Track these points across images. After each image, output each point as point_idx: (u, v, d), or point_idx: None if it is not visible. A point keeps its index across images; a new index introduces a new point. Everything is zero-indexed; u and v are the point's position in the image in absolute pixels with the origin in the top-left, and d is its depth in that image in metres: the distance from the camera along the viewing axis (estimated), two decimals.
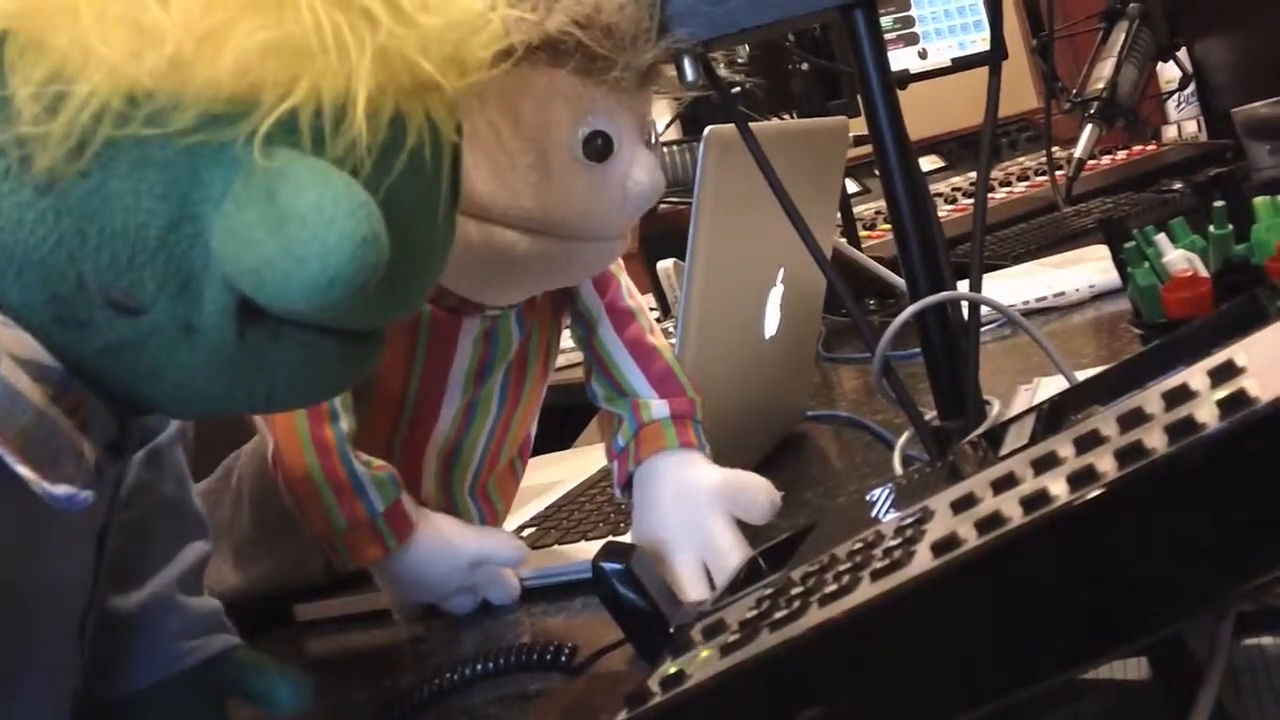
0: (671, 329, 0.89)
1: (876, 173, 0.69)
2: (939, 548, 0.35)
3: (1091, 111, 1.66)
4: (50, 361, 0.42)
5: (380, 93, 0.42)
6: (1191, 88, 2.05)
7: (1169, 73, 2.03)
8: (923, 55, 1.97)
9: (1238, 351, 0.36)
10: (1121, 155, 2.12)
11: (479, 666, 0.64)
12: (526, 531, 0.90)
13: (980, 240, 0.70)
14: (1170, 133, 2.22)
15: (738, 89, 1.46)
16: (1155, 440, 0.33)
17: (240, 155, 0.40)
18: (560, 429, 1.12)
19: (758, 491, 0.74)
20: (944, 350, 0.67)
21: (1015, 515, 0.34)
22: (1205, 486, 0.31)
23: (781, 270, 0.94)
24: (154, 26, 0.39)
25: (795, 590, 0.41)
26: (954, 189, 2.05)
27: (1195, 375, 0.36)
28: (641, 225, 0.73)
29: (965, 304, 0.67)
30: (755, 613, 0.41)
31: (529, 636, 0.72)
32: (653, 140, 0.72)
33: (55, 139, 0.39)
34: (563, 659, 0.63)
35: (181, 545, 0.60)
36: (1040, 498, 0.34)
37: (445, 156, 0.46)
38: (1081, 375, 0.61)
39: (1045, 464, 0.37)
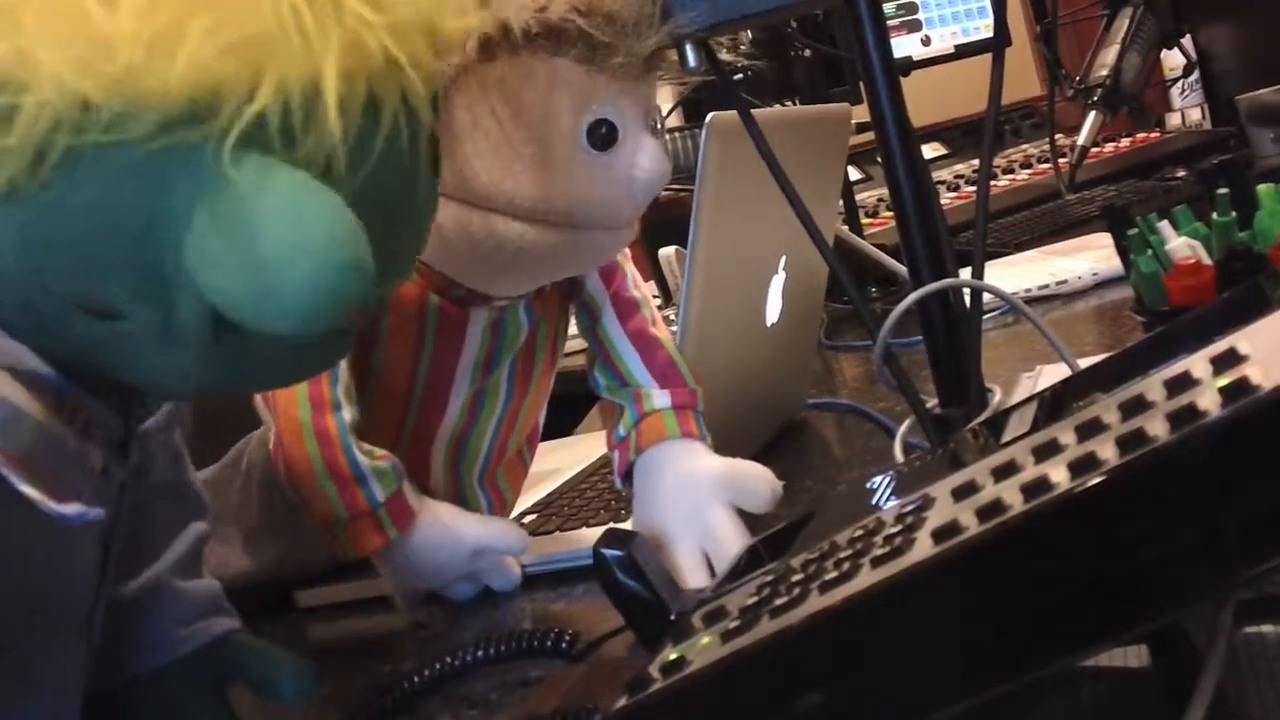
0: (673, 316, 0.89)
1: (879, 160, 0.69)
2: (940, 535, 0.35)
3: (1095, 98, 1.65)
4: (44, 369, 0.41)
5: (351, 80, 0.40)
6: (1195, 75, 2.05)
7: (1173, 60, 2.03)
8: (926, 42, 1.96)
9: (1240, 339, 0.36)
10: (1125, 142, 2.12)
11: (479, 652, 0.64)
12: (528, 518, 0.90)
13: (983, 227, 0.70)
14: (1174, 120, 2.22)
15: (740, 75, 1.45)
16: (1157, 428, 0.33)
17: (208, 161, 0.38)
18: (562, 416, 1.12)
19: (758, 480, 0.74)
20: (946, 337, 0.67)
21: (1016, 503, 0.34)
22: (1207, 474, 0.31)
23: (783, 257, 0.94)
24: (99, 34, 0.36)
25: (796, 577, 0.41)
26: (956, 176, 2.05)
27: (1197, 363, 0.36)
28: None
29: (967, 291, 0.67)
30: (756, 599, 0.41)
31: (530, 623, 0.72)
32: (658, 127, 0.72)
33: (12, 150, 0.37)
34: (563, 645, 0.63)
35: (179, 527, 0.60)
36: (1041, 485, 0.34)
37: (422, 136, 0.45)
38: (1083, 363, 0.61)
39: (1047, 451, 0.37)
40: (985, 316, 0.80)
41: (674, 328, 0.82)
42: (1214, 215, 0.75)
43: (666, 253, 1.48)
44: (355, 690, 0.66)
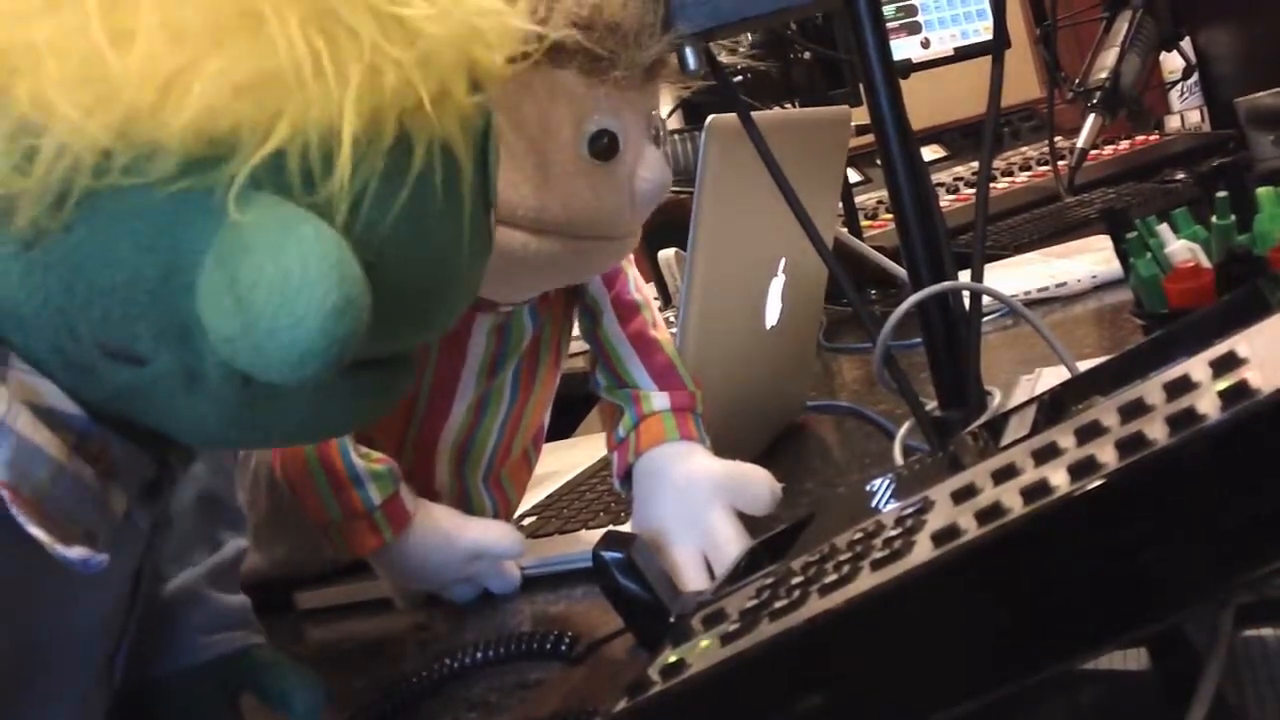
0: (673, 318, 0.89)
1: (878, 162, 0.69)
2: (939, 538, 0.35)
3: (1094, 101, 1.65)
4: (72, 409, 0.41)
5: (377, 118, 0.38)
6: (1195, 77, 2.05)
7: (1172, 62, 2.03)
8: (925, 44, 1.96)
9: (1239, 342, 0.36)
10: (1124, 145, 2.12)
11: (479, 655, 0.64)
12: (528, 520, 0.90)
13: (982, 230, 0.70)
14: (1173, 123, 2.22)
15: (740, 78, 1.46)
16: (1156, 431, 0.33)
17: (220, 202, 0.37)
18: (561, 418, 1.12)
19: (758, 483, 0.74)
20: (945, 340, 0.67)
21: (1016, 506, 0.34)
22: (1206, 477, 0.31)
23: (783, 260, 0.94)
24: (112, 77, 0.36)
25: (795, 580, 0.41)
26: (956, 178, 2.05)
27: (1197, 366, 0.36)
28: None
29: (967, 294, 0.67)
30: (755, 602, 0.41)
31: (529, 625, 0.72)
32: (660, 135, 0.72)
33: (33, 192, 0.37)
34: (563, 648, 0.63)
35: (215, 536, 0.60)
36: (1041, 488, 0.34)
37: (464, 172, 0.42)
38: (1083, 365, 0.61)
39: (1046, 454, 0.37)
40: (984, 319, 0.81)
41: (673, 330, 0.82)
42: (1213, 218, 0.75)
43: (666, 255, 1.48)
44: (354, 692, 0.66)
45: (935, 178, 2.02)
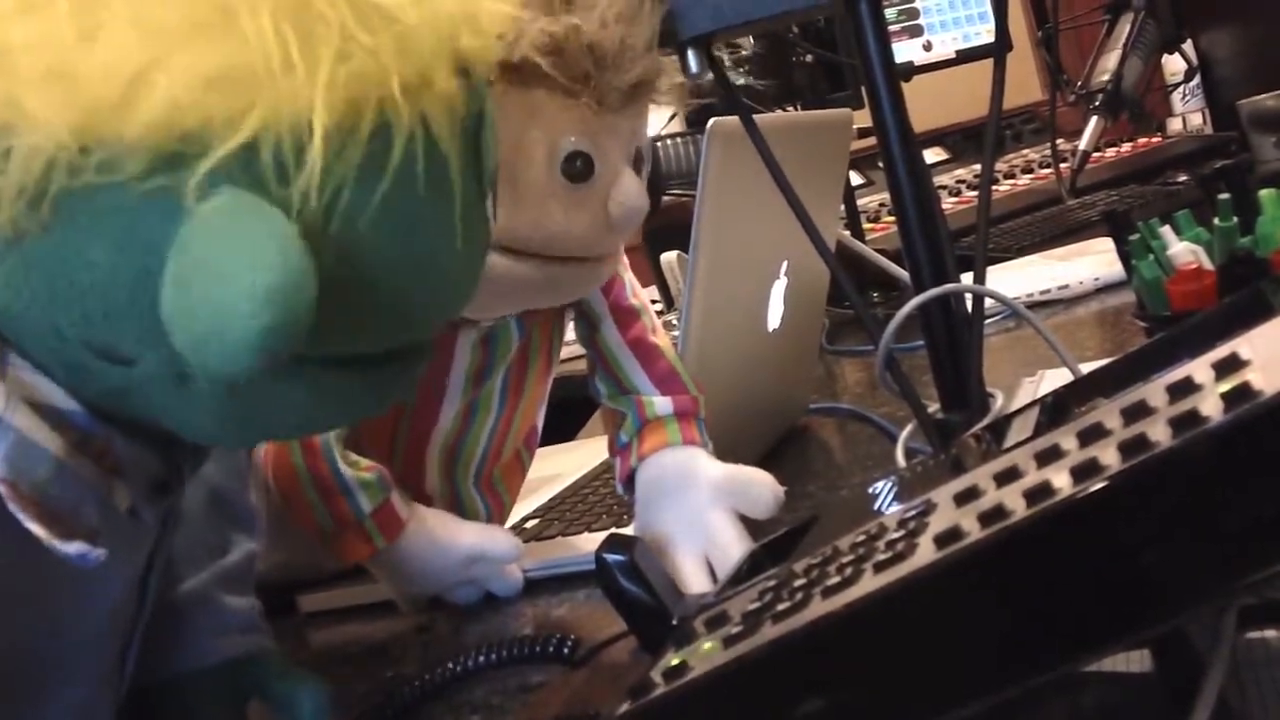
0: (675, 321, 0.89)
1: (880, 165, 0.69)
2: (942, 540, 0.35)
3: (1096, 104, 1.65)
4: (73, 406, 0.41)
5: (353, 108, 0.37)
6: (1197, 80, 2.05)
7: (1174, 65, 2.03)
8: (927, 47, 1.96)
9: (1242, 344, 0.36)
10: (1126, 147, 2.12)
11: (481, 658, 0.64)
12: (530, 523, 0.90)
13: (984, 232, 0.70)
14: (1175, 125, 2.21)
15: (742, 81, 1.46)
16: (1159, 433, 0.33)
17: (186, 196, 0.36)
18: (564, 420, 1.12)
19: (761, 486, 0.73)
20: (947, 343, 0.66)
21: (1018, 508, 0.34)
22: (1209, 480, 0.31)
23: (785, 263, 0.94)
24: (78, 74, 0.35)
25: (798, 582, 0.41)
26: (958, 181, 2.05)
27: (1199, 368, 0.36)
28: (645, 218, 0.72)
29: (969, 296, 0.67)
30: (758, 605, 0.41)
31: (531, 628, 0.72)
32: (641, 158, 0.71)
33: (9, 191, 0.36)
34: (565, 650, 0.63)
35: (226, 538, 0.60)
36: (1043, 490, 0.34)
37: (451, 160, 0.41)
38: (1086, 368, 0.61)
39: (1049, 457, 0.37)
40: (987, 321, 0.80)
41: (676, 333, 0.82)
42: (1215, 220, 0.75)
43: (668, 257, 1.48)
44: (357, 695, 0.66)
45: (937, 180, 2.02)
